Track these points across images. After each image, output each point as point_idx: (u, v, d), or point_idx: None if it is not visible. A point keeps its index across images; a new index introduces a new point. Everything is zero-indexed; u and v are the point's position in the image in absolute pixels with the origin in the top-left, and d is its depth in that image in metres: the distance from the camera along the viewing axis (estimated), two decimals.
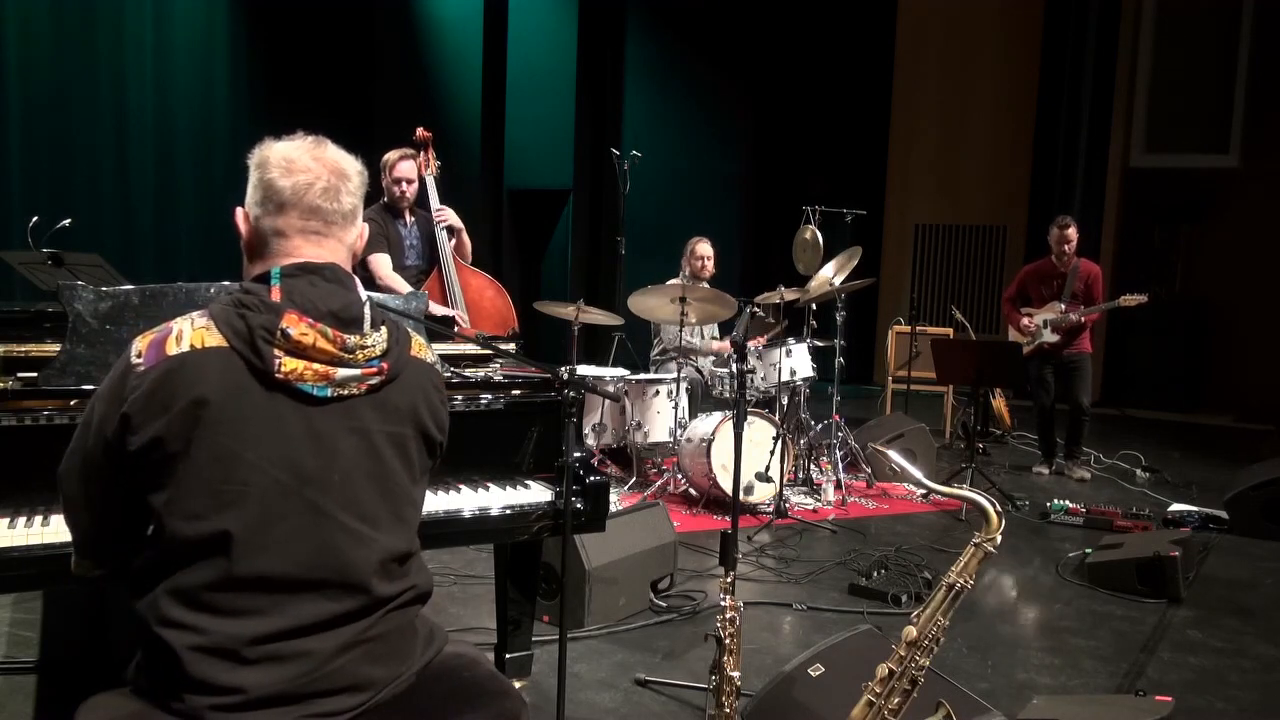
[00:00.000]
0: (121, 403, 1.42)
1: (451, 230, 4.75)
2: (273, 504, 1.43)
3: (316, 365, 1.46)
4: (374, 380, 1.52)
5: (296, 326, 1.44)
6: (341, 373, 1.48)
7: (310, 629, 1.45)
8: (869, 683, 2.03)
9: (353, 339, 1.49)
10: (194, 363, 1.42)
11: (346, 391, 1.49)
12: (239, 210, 1.59)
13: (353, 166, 1.61)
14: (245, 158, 1.59)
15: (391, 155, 4.60)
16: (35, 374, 1.97)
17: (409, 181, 4.60)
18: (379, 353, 1.52)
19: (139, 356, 1.44)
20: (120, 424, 1.42)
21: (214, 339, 1.44)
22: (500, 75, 9.98)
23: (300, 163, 1.55)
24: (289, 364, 1.44)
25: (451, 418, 1.69)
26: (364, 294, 1.56)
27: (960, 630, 3.62)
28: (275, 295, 1.47)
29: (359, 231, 1.64)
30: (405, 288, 4.46)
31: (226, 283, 2.09)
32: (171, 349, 1.43)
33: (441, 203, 4.73)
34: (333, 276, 1.53)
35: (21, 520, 1.86)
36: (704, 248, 6.08)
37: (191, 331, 1.45)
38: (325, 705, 1.46)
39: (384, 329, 1.55)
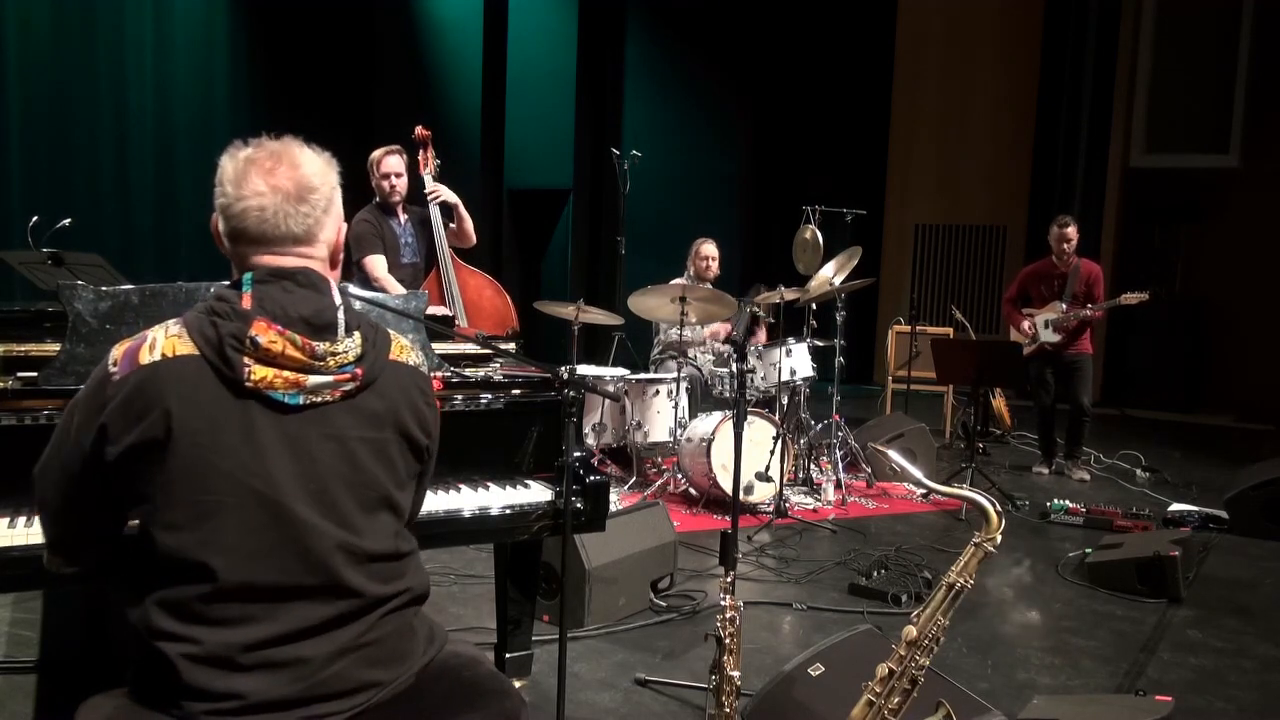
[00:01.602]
0: (99, 412, 1.42)
1: (448, 210, 4.72)
2: (251, 513, 1.43)
3: (287, 373, 1.45)
4: (348, 386, 1.50)
5: (265, 334, 1.43)
6: (313, 380, 1.47)
7: (303, 634, 1.45)
8: (869, 683, 2.03)
9: (322, 346, 1.47)
10: (165, 372, 1.42)
11: (319, 398, 1.48)
12: (214, 217, 1.57)
13: (317, 176, 1.53)
14: None
15: (376, 153, 4.60)
16: (35, 374, 1.97)
17: (397, 175, 4.59)
18: (352, 359, 1.50)
19: (115, 365, 1.44)
20: (98, 434, 1.42)
21: (185, 347, 1.44)
22: (500, 75, 9.98)
23: (249, 185, 1.50)
24: (259, 372, 1.43)
25: (451, 417, 1.69)
26: (339, 298, 1.54)
27: (960, 630, 3.62)
28: (246, 302, 1.46)
29: (328, 240, 1.58)
30: (399, 290, 4.45)
31: (225, 283, 2.09)
32: (144, 358, 1.43)
33: (442, 203, 4.73)
34: (306, 281, 1.51)
35: (21, 520, 1.86)
36: (709, 248, 6.08)
37: (164, 340, 1.45)
38: (324, 709, 1.46)
39: (358, 334, 1.53)
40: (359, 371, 1.51)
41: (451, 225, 4.75)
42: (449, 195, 4.71)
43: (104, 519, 1.53)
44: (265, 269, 1.51)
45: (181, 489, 1.41)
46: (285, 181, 1.51)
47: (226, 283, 2.07)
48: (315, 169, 1.54)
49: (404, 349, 1.63)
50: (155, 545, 1.41)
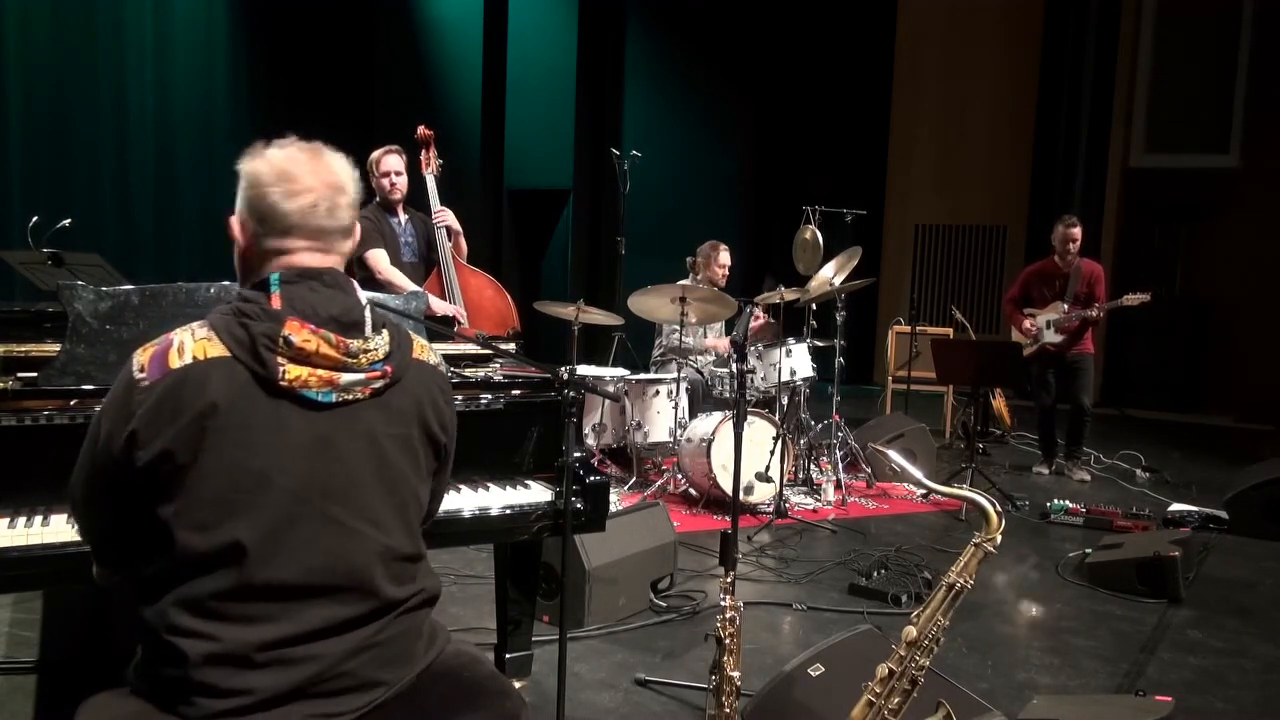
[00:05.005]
0: (128, 419, 1.41)
1: (450, 231, 4.77)
2: (282, 512, 1.43)
3: (320, 371, 1.46)
4: (377, 384, 1.52)
5: (299, 333, 1.44)
6: (345, 378, 1.48)
7: (320, 634, 1.45)
8: (869, 683, 2.03)
9: (355, 343, 1.49)
10: (198, 374, 1.42)
11: (351, 396, 1.49)
12: (233, 220, 1.56)
13: (348, 174, 1.58)
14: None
15: (376, 153, 4.62)
16: (35, 374, 1.97)
17: (397, 174, 4.62)
18: (382, 356, 1.52)
19: (141, 371, 1.44)
20: (128, 440, 1.41)
21: (216, 349, 1.44)
22: (500, 75, 9.98)
23: (302, 182, 1.51)
24: (293, 371, 1.44)
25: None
26: (364, 297, 1.56)
27: (960, 630, 3.62)
28: (275, 303, 1.47)
29: (354, 239, 1.62)
30: (405, 282, 4.47)
31: (226, 283, 2.09)
32: (174, 362, 1.43)
33: (442, 203, 4.74)
34: (332, 281, 1.53)
35: (21, 520, 1.86)
36: (727, 256, 6.03)
37: (193, 343, 1.44)
38: (331, 706, 1.46)
39: (385, 332, 1.54)
40: (389, 369, 1.53)
41: (450, 242, 4.79)
42: (453, 221, 4.77)
43: (139, 524, 1.51)
44: (293, 270, 1.51)
45: (211, 488, 1.41)
46: (328, 176, 1.54)
47: (227, 283, 2.08)
48: (344, 167, 1.59)
49: (424, 349, 1.66)
50: (181, 544, 1.41)
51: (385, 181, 4.60)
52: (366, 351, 1.50)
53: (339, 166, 1.57)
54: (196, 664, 1.39)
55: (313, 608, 1.45)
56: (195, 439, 1.40)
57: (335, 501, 1.47)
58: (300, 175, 1.52)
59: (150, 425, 1.40)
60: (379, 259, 4.52)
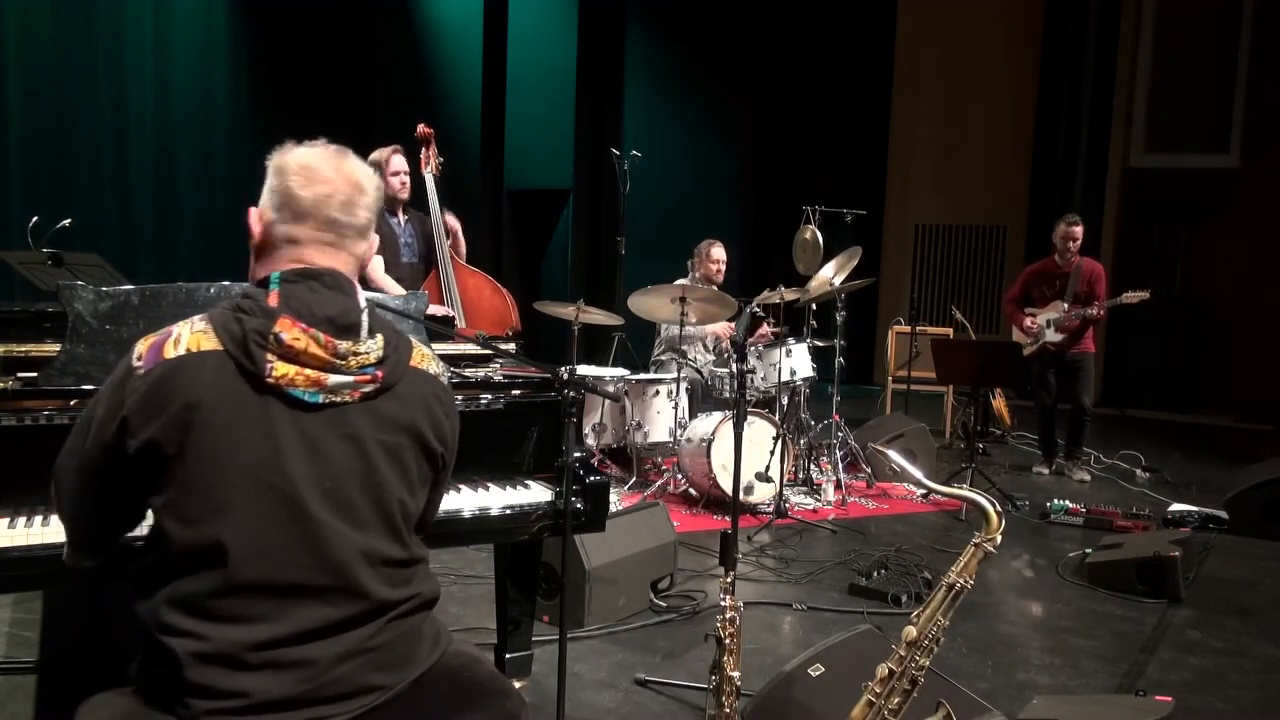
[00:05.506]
0: (120, 405, 1.43)
1: (449, 230, 4.77)
2: (265, 509, 1.43)
3: (308, 371, 1.46)
4: (367, 388, 1.51)
5: (289, 331, 1.45)
6: (333, 379, 1.48)
7: (312, 635, 1.45)
8: (869, 683, 2.03)
9: (345, 345, 1.48)
10: (189, 366, 1.43)
11: (339, 398, 1.49)
12: (253, 211, 1.58)
13: (370, 181, 1.61)
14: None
15: (383, 151, 4.61)
16: (35, 374, 1.97)
17: (406, 173, 4.63)
18: (373, 360, 1.52)
19: (139, 359, 1.45)
20: (119, 427, 1.42)
21: (210, 343, 1.45)
22: (500, 75, 9.98)
23: (321, 173, 1.55)
24: (281, 369, 1.44)
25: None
26: (364, 301, 1.56)
27: (960, 630, 3.62)
28: (273, 300, 1.48)
29: (370, 244, 1.64)
30: (396, 288, 4.46)
31: (226, 283, 2.09)
32: (169, 352, 1.44)
33: (441, 203, 4.74)
34: (332, 283, 1.53)
35: (21, 520, 1.86)
36: (719, 252, 6.06)
37: (190, 335, 1.46)
38: (327, 711, 1.46)
39: (380, 337, 1.54)
40: (379, 374, 1.52)
41: (449, 240, 4.79)
42: (454, 222, 4.82)
43: (123, 511, 1.55)
44: (294, 269, 1.52)
45: (199, 482, 1.42)
46: (351, 175, 1.58)
47: (227, 282, 2.09)
48: (367, 173, 1.62)
49: (425, 357, 1.65)
50: (170, 538, 1.42)
51: (395, 180, 4.60)
52: (357, 354, 1.49)
53: (362, 170, 1.61)
54: (188, 664, 1.39)
55: (302, 608, 1.44)
56: (182, 431, 1.41)
57: (318, 501, 1.46)
58: (321, 168, 1.56)
59: (140, 413, 1.41)
60: (372, 265, 4.51)
